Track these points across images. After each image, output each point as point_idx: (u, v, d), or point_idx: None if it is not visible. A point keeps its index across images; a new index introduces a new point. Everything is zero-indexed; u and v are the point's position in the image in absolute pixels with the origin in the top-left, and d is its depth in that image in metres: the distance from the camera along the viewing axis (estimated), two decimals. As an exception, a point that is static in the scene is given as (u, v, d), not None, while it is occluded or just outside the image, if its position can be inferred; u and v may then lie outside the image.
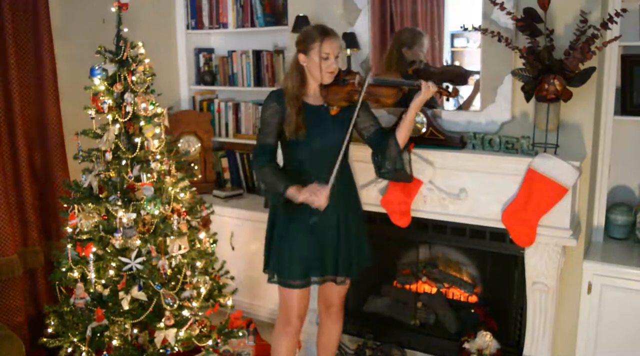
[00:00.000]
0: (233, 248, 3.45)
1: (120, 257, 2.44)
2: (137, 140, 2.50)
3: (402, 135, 2.34)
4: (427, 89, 2.25)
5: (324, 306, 2.62)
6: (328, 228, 2.36)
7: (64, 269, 2.51)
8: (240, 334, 2.77)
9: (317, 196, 2.21)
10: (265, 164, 2.32)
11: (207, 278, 2.63)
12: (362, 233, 2.49)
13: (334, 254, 2.38)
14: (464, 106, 2.81)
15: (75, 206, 2.50)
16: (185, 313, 2.48)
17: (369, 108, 2.44)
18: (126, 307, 2.41)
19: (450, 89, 2.28)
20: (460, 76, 2.78)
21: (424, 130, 2.68)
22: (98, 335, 2.43)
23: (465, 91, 2.81)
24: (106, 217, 2.48)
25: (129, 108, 2.47)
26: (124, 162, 2.50)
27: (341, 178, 2.35)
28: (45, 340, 2.51)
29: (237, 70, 3.83)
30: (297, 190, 2.25)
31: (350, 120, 2.29)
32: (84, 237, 2.48)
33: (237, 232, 3.45)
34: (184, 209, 2.59)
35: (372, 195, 2.81)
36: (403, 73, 2.79)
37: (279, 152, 2.43)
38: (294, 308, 2.40)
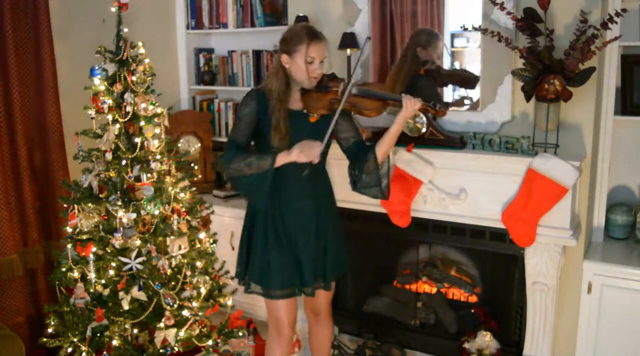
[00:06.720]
0: (233, 248, 3.45)
1: (120, 257, 2.44)
2: (137, 140, 2.49)
3: (381, 150, 2.25)
4: (411, 106, 2.15)
5: (311, 314, 2.56)
6: (306, 234, 2.29)
7: (64, 269, 2.51)
8: (240, 334, 2.76)
9: (308, 151, 2.12)
10: (234, 154, 2.18)
11: (207, 278, 2.63)
12: (339, 239, 2.41)
13: (313, 261, 2.30)
14: (472, 108, 2.80)
15: (75, 206, 2.50)
16: (185, 313, 2.48)
17: (352, 118, 2.33)
18: (126, 307, 2.41)
19: (438, 107, 2.17)
20: (468, 80, 2.79)
21: (424, 130, 2.68)
22: (98, 335, 2.43)
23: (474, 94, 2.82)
24: (106, 217, 2.48)
25: (129, 108, 2.47)
26: (124, 162, 2.49)
27: (319, 183, 2.33)
28: (45, 340, 2.51)
29: (237, 70, 3.83)
30: (286, 153, 2.15)
31: (326, 130, 2.17)
32: (84, 237, 2.47)
33: (237, 232, 3.42)
34: (184, 209, 2.59)
35: (372, 195, 2.80)
36: (415, 72, 2.79)
37: None
38: (283, 318, 2.34)
